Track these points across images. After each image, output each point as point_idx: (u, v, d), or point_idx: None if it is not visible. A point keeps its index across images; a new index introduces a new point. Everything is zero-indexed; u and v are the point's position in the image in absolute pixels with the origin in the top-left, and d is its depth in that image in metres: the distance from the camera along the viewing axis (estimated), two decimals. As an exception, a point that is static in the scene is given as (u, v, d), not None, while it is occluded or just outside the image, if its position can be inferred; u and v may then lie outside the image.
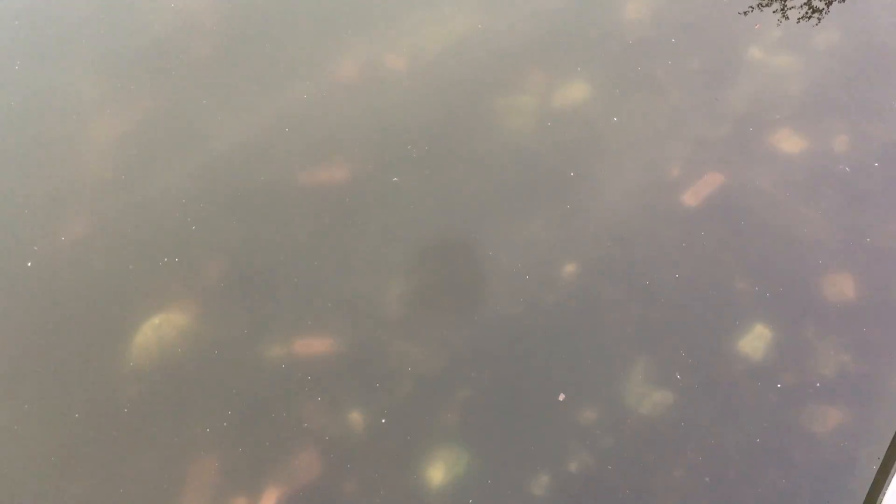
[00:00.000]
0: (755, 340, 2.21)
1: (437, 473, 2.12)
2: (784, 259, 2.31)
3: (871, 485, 1.99)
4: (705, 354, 2.20)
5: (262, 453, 2.15)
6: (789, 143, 2.49)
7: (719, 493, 2.03)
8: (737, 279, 2.30)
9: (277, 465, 2.14)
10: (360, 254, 2.41)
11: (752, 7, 2.73)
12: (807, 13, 2.68)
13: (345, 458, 2.14)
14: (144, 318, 2.31)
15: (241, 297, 2.34)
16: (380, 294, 2.34)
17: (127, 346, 2.27)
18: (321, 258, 2.40)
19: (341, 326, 2.29)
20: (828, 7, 2.70)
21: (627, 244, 2.38)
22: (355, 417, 2.19)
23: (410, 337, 2.28)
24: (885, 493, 1.96)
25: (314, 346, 2.26)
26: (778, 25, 2.69)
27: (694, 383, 2.17)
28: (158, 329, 2.28)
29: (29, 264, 2.39)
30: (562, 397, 2.18)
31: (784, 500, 2.00)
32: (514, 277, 2.34)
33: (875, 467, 2.01)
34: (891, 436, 2.05)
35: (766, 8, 2.74)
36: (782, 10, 2.71)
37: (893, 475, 1.98)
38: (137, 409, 2.19)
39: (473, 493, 2.08)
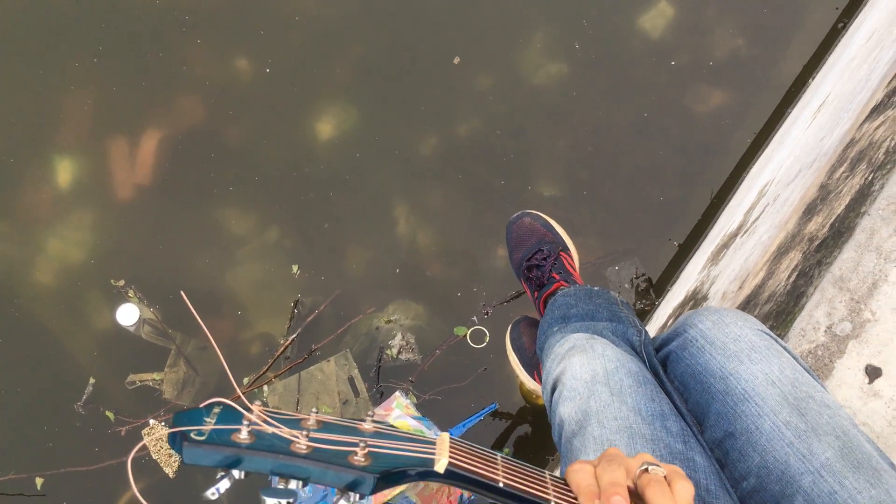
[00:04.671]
0: (657, 17, 2.17)
1: (326, 127, 2.09)
2: (701, -67, 2.21)
3: (739, 161, 2.10)
4: (607, 27, 2.16)
5: (138, 94, 2.04)
6: None
7: (599, 161, 2.10)
8: (650, -50, 2.19)
9: (156, 108, 2.05)
10: None
11: None
12: None
13: (228, 105, 2.07)
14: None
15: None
16: (269, -70, 2.12)
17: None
18: None
19: (225, -37, 2.09)
20: None
21: None
22: (239, 65, 2.08)
23: (301, -18, 2.12)
24: (749, 170, 2.08)
25: (194, -18, 2.08)
26: None
27: (591, 56, 2.15)
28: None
29: None
30: (457, 60, 2.12)
31: (656, 171, 2.10)
32: (418, -75, 2.16)
33: (749, 141, 2.11)
34: (766, 118, 2.13)
35: None
36: None
37: (760, 154, 2.09)
38: (-5, 35, 2.01)
39: (361, 148, 2.08)
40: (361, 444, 0.53)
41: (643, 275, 2.05)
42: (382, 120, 2.10)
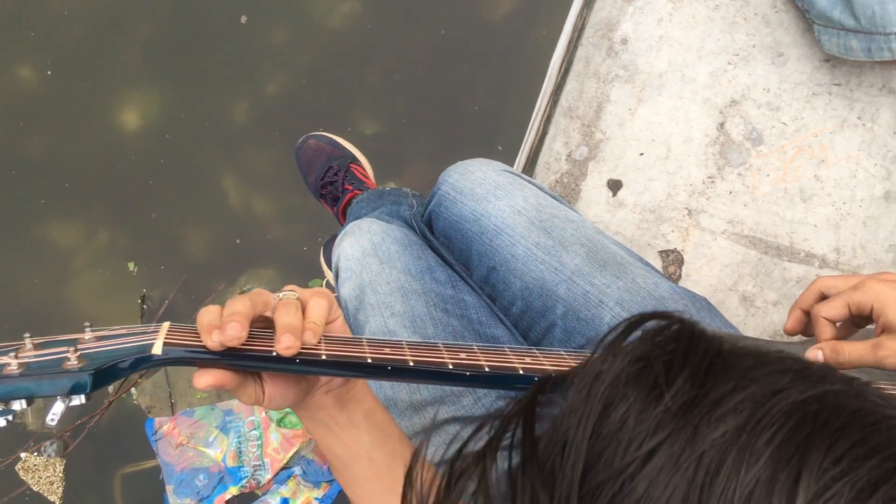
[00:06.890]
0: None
1: (129, 117, 2.02)
2: None
3: (543, 56, 2.17)
4: (384, -44, 2.17)
5: (-85, 127, 1.92)
6: None
7: (409, 88, 2.13)
8: None
9: (-61, 138, 1.94)
10: None
11: None
12: None
13: (17, 116, 1.97)
14: None
15: None
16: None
17: None
18: None
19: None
20: None
21: None
22: (18, 73, 1.98)
23: (61, -26, 2.02)
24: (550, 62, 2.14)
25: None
26: None
27: (377, -13, 2.15)
28: None
29: None
30: (244, 19, 2.09)
31: (466, 84, 2.14)
32: None
33: (545, 33, 2.17)
34: (555, 11, 2.20)
35: None
36: None
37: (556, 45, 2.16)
38: None
39: (170, 130, 2.03)
40: (73, 349, 0.54)
41: (477, 185, 2.10)
42: (185, 96, 2.06)
